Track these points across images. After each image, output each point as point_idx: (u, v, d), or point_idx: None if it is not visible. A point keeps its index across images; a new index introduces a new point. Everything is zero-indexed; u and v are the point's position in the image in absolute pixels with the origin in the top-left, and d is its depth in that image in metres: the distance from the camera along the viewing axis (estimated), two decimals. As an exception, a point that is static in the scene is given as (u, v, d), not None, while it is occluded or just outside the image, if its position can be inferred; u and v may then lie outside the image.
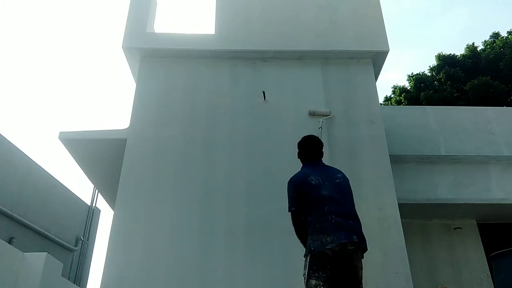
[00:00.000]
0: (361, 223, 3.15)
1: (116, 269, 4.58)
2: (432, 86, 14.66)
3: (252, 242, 4.77)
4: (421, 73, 15.68)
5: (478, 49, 15.50)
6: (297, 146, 3.62)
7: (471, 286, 5.99)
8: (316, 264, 2.86)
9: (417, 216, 6.31)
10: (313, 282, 2.80)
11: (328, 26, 6.22)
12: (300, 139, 3.65)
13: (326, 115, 5.24)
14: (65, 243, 11.19)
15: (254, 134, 5.46)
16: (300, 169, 3.47)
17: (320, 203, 3.07)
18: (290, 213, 3.22)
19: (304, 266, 2.96)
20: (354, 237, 2.95)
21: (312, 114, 5.32)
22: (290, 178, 3.34)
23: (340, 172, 3.42)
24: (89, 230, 12.66)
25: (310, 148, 3.54)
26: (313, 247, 2.91)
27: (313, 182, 3.20)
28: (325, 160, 5.30)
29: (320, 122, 4.59)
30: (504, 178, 6.27)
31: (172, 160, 5.25)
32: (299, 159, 3.59)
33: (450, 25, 34.20)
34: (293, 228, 3.21)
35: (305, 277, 2.90)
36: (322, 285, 2.78)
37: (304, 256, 3.05)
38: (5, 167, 9.07)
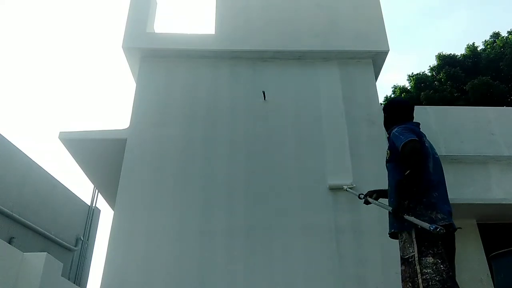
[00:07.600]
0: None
1: (116, 269, 4.58)
2: (432, 86, 14.62)
3: (252, 242, 4.77)
4: (421, 73, 15.64)
5: (478, 49, 15.47)
6: (391, 108, 3.29)
7: (471, 286, 5.96)
8: (427, 240, 2.61)
9: (417, 216, 6.28)
10: (430, 259, 2.57)
11: (328, 26, 6.23)
12: (395, 101, 3.45)
13: (349, 186, 4.86)
14: (65, 243, 11.19)
15: (254, 134, 5.46)
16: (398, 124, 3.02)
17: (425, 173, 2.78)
18: (401, 146, 2.69)
19: (406, 242, 2.73)
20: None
21: (332, 188, 5.07)
22: (404, 125, 2.90)
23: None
24: (89, 230, 12.66)
25: (410, 110, 3.20)
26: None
27: (426, 144, 2.87)
28: (326, 159, 5.37)
29: (345, 188, 4.53)
30: (504, 178, 6.25)
31: (172, 160, 5.25)
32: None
33: (450, 26, 34.21)
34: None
35: (412, 257, 2.66)
36: (441, 263, 2.55)
37: (399, 230, 2.80)
38: (5, 167, 9.07)
